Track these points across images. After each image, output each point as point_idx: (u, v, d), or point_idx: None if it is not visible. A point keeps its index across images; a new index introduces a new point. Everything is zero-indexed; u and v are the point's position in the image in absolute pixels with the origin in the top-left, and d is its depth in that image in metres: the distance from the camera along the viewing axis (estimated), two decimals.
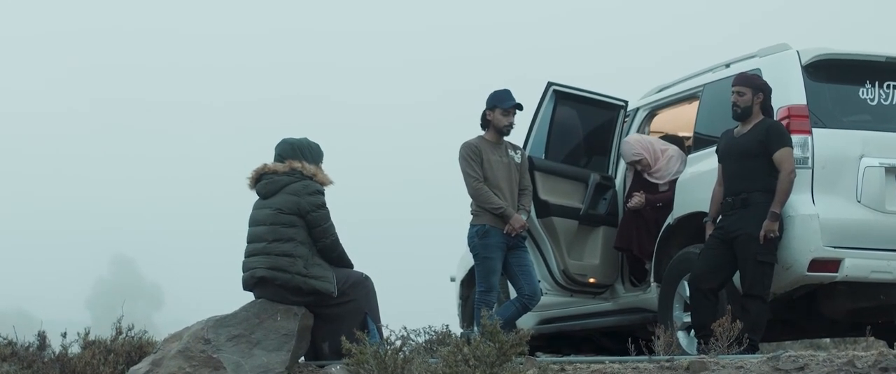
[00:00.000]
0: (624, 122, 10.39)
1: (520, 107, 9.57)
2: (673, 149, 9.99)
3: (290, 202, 8.42)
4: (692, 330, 8.83)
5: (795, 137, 8.57)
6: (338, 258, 8.57)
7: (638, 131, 10.33)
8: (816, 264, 8.50)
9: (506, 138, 9.66)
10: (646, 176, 9.99)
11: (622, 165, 10.28)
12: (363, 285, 8.57)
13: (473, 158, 9.46)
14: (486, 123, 9.60)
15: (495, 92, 9.57)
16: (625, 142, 10.12)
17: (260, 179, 8.62)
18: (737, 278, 8.59)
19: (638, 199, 9.79)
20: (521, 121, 9.81)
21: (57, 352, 9.11)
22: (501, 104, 9.53)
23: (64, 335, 9.13)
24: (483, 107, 9.62)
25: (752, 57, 9.35)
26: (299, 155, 8.62)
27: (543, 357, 9.13)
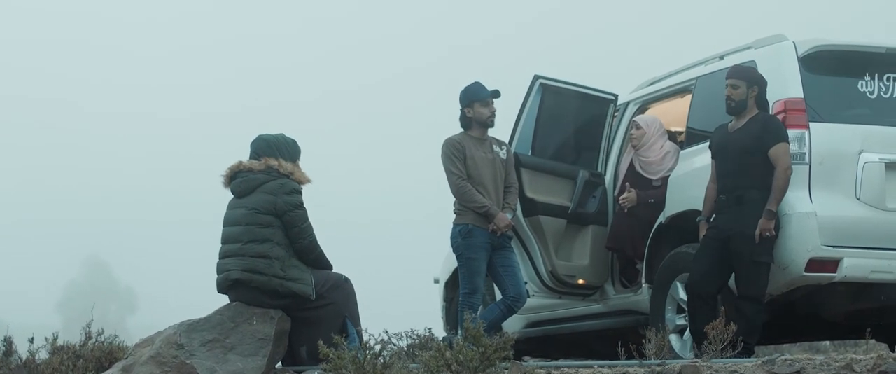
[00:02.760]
0: (614, 116, 10.22)
1: (497, 94, 9.41)
2: (670, 145, 9.84)
3: (266, 202, 8.27)
4: (685, 333, 8.74)
5: (792, 132, 8.46)
6: (316, 260, 8.40)
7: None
8: (814, 264, 8.38)
9: (491, 134, 9.46)
10: (638, 170, 9.83)
11: (612, 161, 10.15)
12: (342, 288, 8.40)
13: (456, 155, 9.29)
14: (467, 122, 9.41)
15: (466, 88, 9.44)
16: (647, 114, 10.02)
17: (235, 178, 8.48)
18: (732, 278, 8.45)
19: (628, 196, 9.58)
20: (508, 115, 9.71)
21: (24, 358, 8.95)
22: (477, 97, 9.37)
23: (31, 341, 8.99)
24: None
25: (747, 49, 9.25)
26: (275, 152, 8.49)
27: (530, 362, 9.01)
